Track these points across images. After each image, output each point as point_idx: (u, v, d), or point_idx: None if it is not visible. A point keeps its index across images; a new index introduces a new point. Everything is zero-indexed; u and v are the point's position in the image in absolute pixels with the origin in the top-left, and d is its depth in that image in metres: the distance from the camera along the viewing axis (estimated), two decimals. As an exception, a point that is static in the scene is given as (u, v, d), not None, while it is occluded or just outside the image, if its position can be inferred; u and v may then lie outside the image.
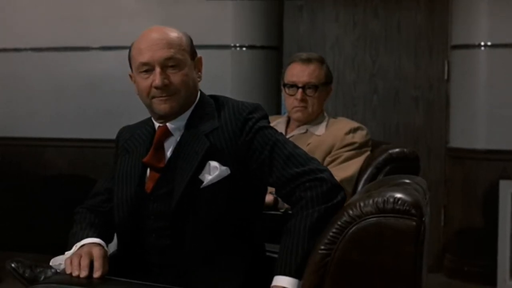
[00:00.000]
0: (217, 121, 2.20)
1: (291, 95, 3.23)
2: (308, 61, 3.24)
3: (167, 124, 2.25)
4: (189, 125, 2.23)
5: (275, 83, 4.78)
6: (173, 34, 2.24)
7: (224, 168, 2.15)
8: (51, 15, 5.20)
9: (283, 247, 2.03)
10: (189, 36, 2.29)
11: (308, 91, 3.21)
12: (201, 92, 2.31)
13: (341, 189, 2.11)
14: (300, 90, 3.20)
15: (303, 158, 2.14)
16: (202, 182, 2.15)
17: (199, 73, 2.31)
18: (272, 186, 2.18)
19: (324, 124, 3.25)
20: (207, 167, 2.15)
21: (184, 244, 2.16)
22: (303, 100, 3.20)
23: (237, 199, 2.18)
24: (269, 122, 2.25)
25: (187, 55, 2.24)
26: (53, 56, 5.19)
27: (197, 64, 2.30)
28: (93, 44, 5.10)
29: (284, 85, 3.28)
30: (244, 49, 4.83)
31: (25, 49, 5.28)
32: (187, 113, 2.25)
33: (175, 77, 2.20)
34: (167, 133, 2.25)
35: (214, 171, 2.15)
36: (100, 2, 5.13)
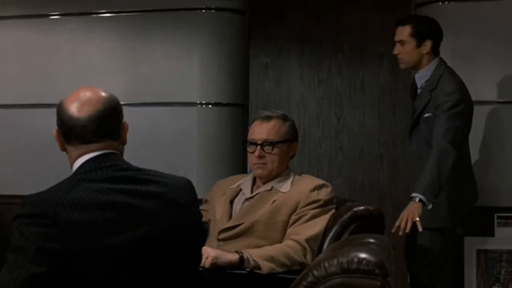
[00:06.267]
0: None
1: (251, 153, 3.27)
2: (267, 118, 3.28)
3: None
4: None
5: (241, 140, 4.79)
6: None
7: None
8: (17, 71, 5.19)
9: None
10: None
11: (266, 148, 3.23)
12: None
13: None
14: (258, 147, 3.24)
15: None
16: None
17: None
18: None
19: (289, 181, 3.27)
20: None
21: None
22: (261, 157, 3.23)
23: None
24: (31, 219, 1.94)
25: None
26: (19, 113, 5.16)
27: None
28: (60, 101, 5.08)
29: (246, 142, 3.32)
30: (210, 106, 4.84)
31: (-9, 106, 5.27)
32: None
33: None
34: None
35: None
36: (67, 59, 5.13)
